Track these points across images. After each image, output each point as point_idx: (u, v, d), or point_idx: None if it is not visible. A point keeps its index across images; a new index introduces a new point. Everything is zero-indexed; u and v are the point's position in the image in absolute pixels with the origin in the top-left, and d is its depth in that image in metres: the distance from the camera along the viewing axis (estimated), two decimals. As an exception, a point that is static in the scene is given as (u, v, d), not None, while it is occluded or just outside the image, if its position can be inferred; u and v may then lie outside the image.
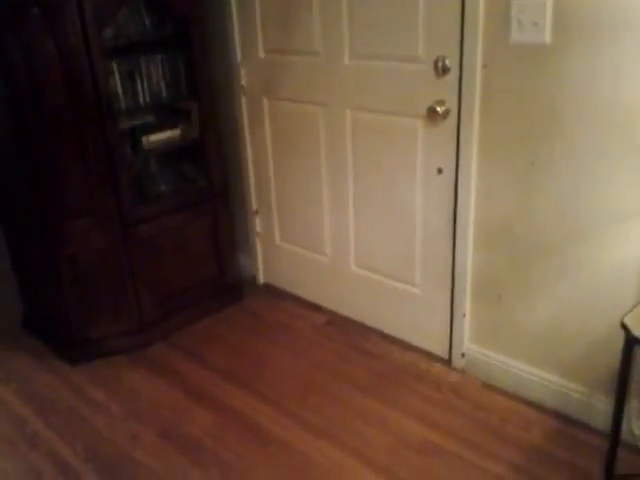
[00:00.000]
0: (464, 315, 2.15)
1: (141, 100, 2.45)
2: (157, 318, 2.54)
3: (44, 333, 2.60)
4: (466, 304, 2.13)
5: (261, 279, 2.97)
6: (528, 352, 2.02)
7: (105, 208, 2.31)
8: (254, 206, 2.84)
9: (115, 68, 2.34)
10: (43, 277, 2.44)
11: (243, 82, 2.63)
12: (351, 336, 2.50)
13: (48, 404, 2.20)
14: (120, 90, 2.37)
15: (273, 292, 2.90)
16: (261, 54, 2.51)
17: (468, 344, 2.18)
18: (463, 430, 1.94)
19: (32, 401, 2.22)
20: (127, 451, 1.95)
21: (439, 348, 2.29)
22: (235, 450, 1.93)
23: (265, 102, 2.58)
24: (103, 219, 2.32)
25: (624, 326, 1.41)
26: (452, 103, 1.94)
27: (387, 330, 2.47)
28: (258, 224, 2.87)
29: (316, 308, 2.71)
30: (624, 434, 1.70)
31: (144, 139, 2.43)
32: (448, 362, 2.26)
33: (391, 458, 1.85)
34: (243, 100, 2.66)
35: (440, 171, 2.05)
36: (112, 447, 1.97)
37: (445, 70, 1.91)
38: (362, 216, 2.39)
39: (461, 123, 1.93)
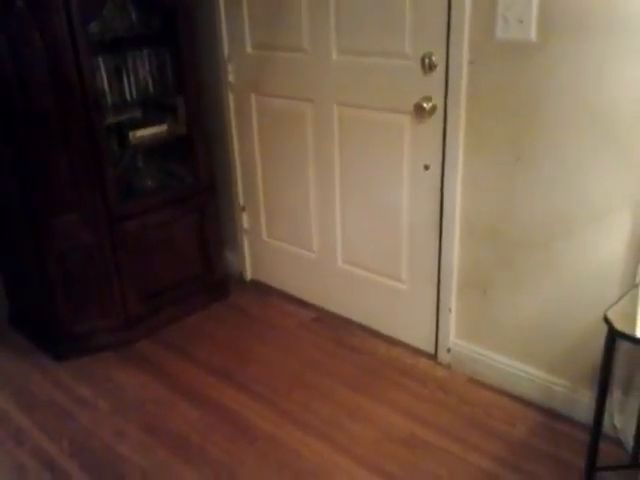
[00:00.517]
0: (450, 310, 2.16)
1: (128, 95, 2.43)
2: (144, 314, 2.53)
3: (30, 329, 2.58)
4: (452, 299, 2.15)
5: (248, 275, 2.97)
6: (513, 347, 2.04)
7: (91, 204, 2.29)
8: (241, 202, 2.84)
9: (101, 63, 2.32)
10: (29, 273, 2.42)
11: (230, 78, 2.62)
12: (338, 332, 2.51)
13: (34, 400, 2.19)
14: (107, 85, 2.36)
15: (260, 288, 2.90)
16: (249, 50, 2.50)
17: (454, 339, 2.20)
18: (449, 424, 1.96)
19: (17, 397, 2.21)
20: (113, 447, 1.95)
21: (425, 343, 2.30)
22: (222, 446, 1.93)
23: (253, 98, 2.58)
24: (89, 215, 2.30)
25: (607, 320, 1.43)
26: (439, 99, 1.95)
27: (374, 326, 2.48)
28: (245, 220, 2.87)
29: (303, 304, 2.71)
30: (606, 427, 1.72)
31: (131, 134, 2.42)
32: (434, 357, 2.28)
33: (378, 453, 1.87)
34: (230, 96, 2.66)
35: (427, 167, 2.06)
36: (98, 443, 1.97)
37: (432, 66, 1.92)
38: (349, 212, 2.40)
39: (447, 119, 1.94)
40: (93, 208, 2.30)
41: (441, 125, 1.97)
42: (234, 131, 2.72)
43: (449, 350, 2.22)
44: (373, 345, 2.40)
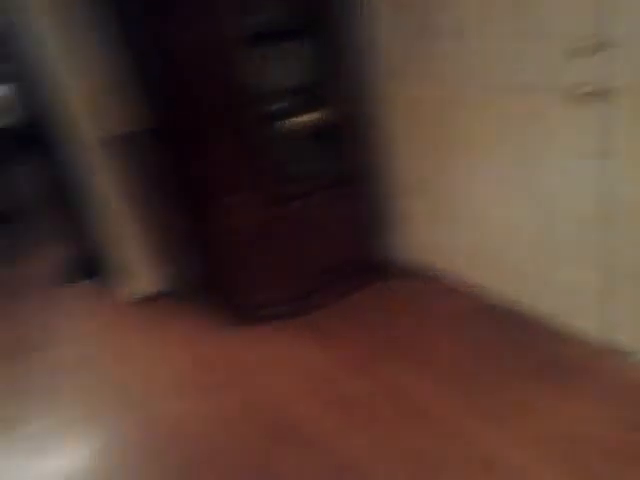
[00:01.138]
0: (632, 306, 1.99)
1: (283, 84, 2.55)
2: (309, 290, 2.70)
3: (209, 297, 2.88)
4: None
5: (407, 260, 2.95)
6: None
7: (256, 186, 2.49)
8: (396, 187, 2.84)
9: (257, 55, 2.42)
10: (208, 245, 2.69)
11: (383, 66, 2.60)
12: (506, 323, 2.39)
13: (210, 362, 2.47)
14: (265, 75, 2.47)
15: (419, 274, 2.86)
16: (401, 37, 2.45)
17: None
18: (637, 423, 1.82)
19: (198, 361, 2.50)
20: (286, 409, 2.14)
21: (605, 338, 2.13)
22: (388, 418, 2.00)
23: (404, 84, 2.54)
24: (255, 196, 2.50)
25: None
26: (603, 84, 1.82)
27: (551, 320, 2.31)
28: (403, 205, 2.86)
29: (464, 292, 2.65)
30: None
31: (285, 122, 2.54)
32: (624, 354, 2.09)
33: (557, 450, 1.80)
34: (382, 83, 2.64)
35: (591, 155, 1.94)
36: (270, 405, 2.16)
37: (597, 48, 1.78)
38: (516, 199, 2.28)
39: (613, 105, 1.81)
40: (259, 189, 2.49)
41: (606, 111, 1.84)
42: (386, 118, 2.70)
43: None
44: (547, 339, 2.26)
